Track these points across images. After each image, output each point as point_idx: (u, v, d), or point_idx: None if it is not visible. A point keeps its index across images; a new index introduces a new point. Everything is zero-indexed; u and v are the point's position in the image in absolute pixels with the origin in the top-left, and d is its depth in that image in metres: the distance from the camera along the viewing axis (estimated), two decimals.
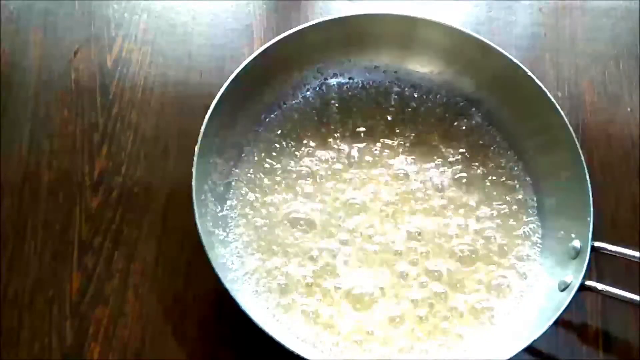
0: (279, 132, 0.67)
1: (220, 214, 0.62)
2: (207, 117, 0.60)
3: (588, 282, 0.59)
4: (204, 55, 0.70)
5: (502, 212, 0.65)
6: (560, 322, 0.57)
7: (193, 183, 0.58)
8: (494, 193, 0.66)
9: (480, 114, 0.69)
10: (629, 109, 0.73)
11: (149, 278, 0.61)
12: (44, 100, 0.66)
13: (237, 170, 0.64)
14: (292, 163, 0.65)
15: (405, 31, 0.68)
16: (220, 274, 0.56)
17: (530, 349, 0.55)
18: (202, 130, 0.60)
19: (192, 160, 0.58)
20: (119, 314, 0.59)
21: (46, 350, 0.57)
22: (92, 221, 0.62)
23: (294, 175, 0.65)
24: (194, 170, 0.58)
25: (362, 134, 0.68)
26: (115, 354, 0.58)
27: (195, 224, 0.56)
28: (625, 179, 0.69)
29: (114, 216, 0.63)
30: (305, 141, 0.67)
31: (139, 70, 0.69)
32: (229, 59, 0.70)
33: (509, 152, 0.68)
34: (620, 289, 0.59)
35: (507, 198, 0.66)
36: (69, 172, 0.64)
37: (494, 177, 0.67)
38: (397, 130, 0.68)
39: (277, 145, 0.66)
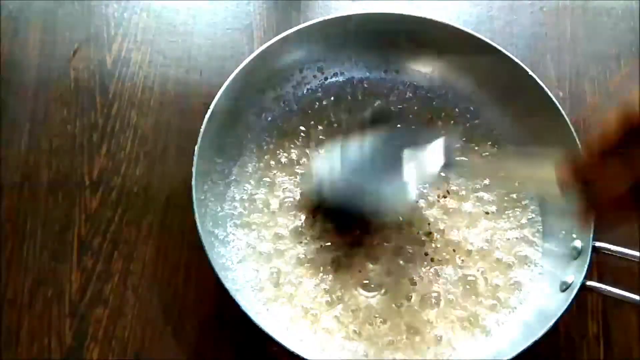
0: (279, 131, 0.66)
1: (220, 214, 0.62)
2: (207, 117, 0.60)
3: (589, 283, 0.58)
4: (204, 54, 0.70)
5: (504, 212, 0.65)
6: (561, 322, 0.57)
7: (193, 183, 0.58)
8: (495, 193, 0.66)
9: (481, 113, 0.69)
10: None
11: (149, 278, 0.61)
12: (43, 100, 0.66)
13: (237, 169, 0.64)
14: (293, 162, 0.65)
15: (406, 30, 0.68)
16: (220, 274, 0.55)
17: (531, 349, 0.55)
18: (202, 130, 0.60)
19: (192, 160, 0.58)
20: (118, 314, 0.59)
21: (46, 350, 0.57)
22: (92, 221, 0.62)
23: (295, 174, 0.65)
24: (194, 170, 0.58)
25: (363, 133, 0.68)
26: (114, 354, 0.58)
27: (195, 224, 0.56)
28: None
29: (113, 216, 0.62)
30: (305, 140, 0.66)
31: (139, 70, 0.69)
32: (229, 58, 0.70)
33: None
34: (621, 289, 0.59)
35: (508, 198, 0.66)
36: (68, 172, 0.64)
37: (495, 177, 0.67)
38: (399, 129, 0.68)
39: (278, 144, 0.66)
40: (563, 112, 0.64)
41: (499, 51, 0.66)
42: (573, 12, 0.77)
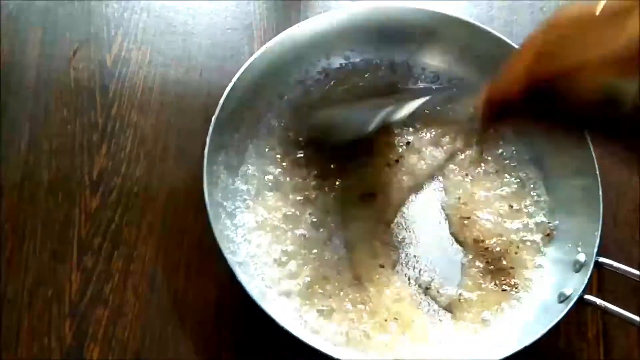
0: (298, 113, 0.66)
1: (231, 187, 0.62)
2: (228, 87, 0.61)
3: (587, 297, 0.58)
4: (204, 54, 0.70)
5: (513, 219, 0.65)
6: (561, 324, 0.57)
7: (206, 152, 0.58)
8: (502, 194, 0.66)
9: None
10: None
11: (149, 278, 0.61)
12: (43, 100, 0.66)
13: (253, 146, 0.64)
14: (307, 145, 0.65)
15: (418, 25, 0.68)
16: (222, 245, 0.56)
17: (531, 351, 0.55)
18: (221, 101, 0.60)
19: (193, 159, 0.59)
20: (118, 314, 0.59)
21: (45, 350, 0.57)
22: (92, 221, 0.62)
23: (304, 154, 0.65)
24: (208, 139, 0.59)
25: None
26: (114, 354, 0.58)
27: (195, 220, 0.56)
28: (626, 178, 0.69)
29: (113, 216, 0.62)
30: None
31: (139, 70, 0.69)
32: (229, 58, 0.70)
33: (524, 156, 0.67)
34: (622, 305, 0.58)
35: (517, 204, 0.66)
36: (68, 172, 0.64)
37: (503, 178, 0.67)
38: (403, 123, 0.68)
39: (296, 126, 0.66)
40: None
41: (512, 47, 0.66)
42: None
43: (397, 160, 0.66)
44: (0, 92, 0.66)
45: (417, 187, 0.66)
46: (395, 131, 0.67)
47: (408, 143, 0.67)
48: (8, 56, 0.68)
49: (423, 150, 0.67)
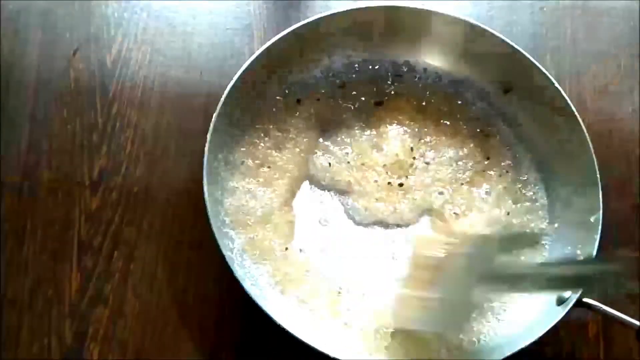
0: (297, 112, 0.67)
1: (230, 184, 0.62)
2: (229, 86, 0.61)
3: (585, 299, 0.58)
4: (204, 54, 0.70)
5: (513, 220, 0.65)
6: (561, 324, 0.57)
7: (206, 149, 0.58)
8: (505, 198, 0.66)
9: (500, 117, 0.69)
10: (630, 109, 0.73)
11: (149, 278, 0.61)
12: (43, 100, 0.66)
13: (252, 145, 0.64)
14: (306, 141, 0.66)
15: (419, 25, 0.68)
16: (221, 242, 0.56)
17: (531, 351, 0.55)
18: (222, 99, 0.60)
19: (193, 159, 0.59)
20: (118, 314, 0.59)
21: (46, 350, 0.57)
22: (92, 221, 0.62)
23: (306, 153, 0.65)
24: (208, 137, 0.59)
25: (371, 124, 0.68)
26: (114, 354, 0.58)
27: (195, 221, 0.56)
28: (626, 178, 0.69)
29: (113, 216, 0.62)
30: (320, 124, 0.67)
31: (139, 70, 0.69)
32: (229, 58, 0.70)
33: (526, 160, 0.68)
34: (620, 307, 0.57)
35: (519, 206, 0.66)
36: (68, 172, 0.64)
37: (506, 182, 0.67)
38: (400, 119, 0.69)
39: (296, 123, 0.66)
40: (571, 105, 0.65)
41: (511, 46, 0.67)
42: (573, 12, 0.77)
43: (400, 185, 0.66)
44: (0, 92, 0.66)
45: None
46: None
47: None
48: (8, 56, 0.68)
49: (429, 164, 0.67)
